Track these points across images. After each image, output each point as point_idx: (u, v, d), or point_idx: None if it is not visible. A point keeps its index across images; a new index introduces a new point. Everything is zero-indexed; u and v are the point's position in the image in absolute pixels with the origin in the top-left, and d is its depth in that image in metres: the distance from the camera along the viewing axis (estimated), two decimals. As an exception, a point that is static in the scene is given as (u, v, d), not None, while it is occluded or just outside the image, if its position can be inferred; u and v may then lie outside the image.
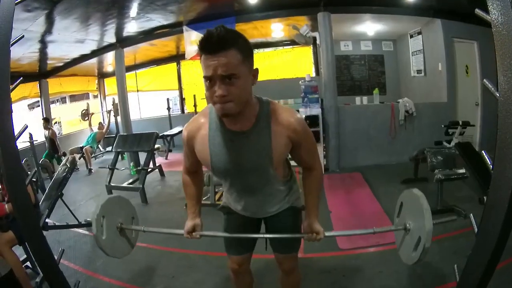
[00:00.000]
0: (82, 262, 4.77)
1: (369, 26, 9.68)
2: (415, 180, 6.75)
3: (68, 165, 5.65)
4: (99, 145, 12.27)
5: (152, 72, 15.05)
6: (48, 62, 10.98)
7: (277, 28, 10.40)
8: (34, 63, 10.50)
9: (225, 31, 1.72)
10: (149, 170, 7.79)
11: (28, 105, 14.06)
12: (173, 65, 14.31)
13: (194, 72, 13.95)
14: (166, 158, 11.39)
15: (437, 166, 5.40)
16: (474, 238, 1.96)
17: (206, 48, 1.71)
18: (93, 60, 11.75)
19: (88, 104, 13.80)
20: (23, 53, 8.90)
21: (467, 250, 1.97)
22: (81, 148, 11.20)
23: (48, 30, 7.53)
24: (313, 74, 11.31)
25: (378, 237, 4.66)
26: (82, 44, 9.44)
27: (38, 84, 12.04)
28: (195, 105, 12.36)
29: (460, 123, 7.18)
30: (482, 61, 8.71)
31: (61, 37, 8.24)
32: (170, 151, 11.87)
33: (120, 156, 9.42)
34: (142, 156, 8.04)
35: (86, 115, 13.15)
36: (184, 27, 8.91)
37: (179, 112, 14.64)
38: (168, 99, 13.69)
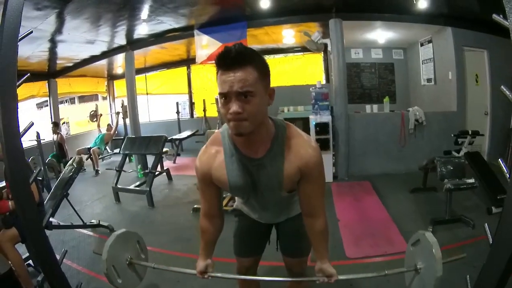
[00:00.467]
0: (85, 263, 4.75)
1: (380, 34, 9.64)
2: (424, 189, 6.70)
3: (75, 165, 5.64)
4: (107, 147, 12.26)
5: (162, 75, 15.05)
6: (58, 62, 11.00)
7: (288, 34, 10.40)
8: (44, 62, 10.53)
9: (243, 47, 1.70)
10: (156, 173, 7.76)
11: (36, 104, 14.14)
12: (183, 69, 14.28)
13: (204, 77, 14.00)
14: (174, 162, 11.34)
15: (447, 175, 5.33)
16: (489, 248, 1.92)
17: (223, 63, 1.69)
18: (103, 62, 11.76)
19: (96, 105, 13.78)
20: (32, 52, 8.91)
21: (475, 260, 1.93)
22: (89, 149, 11.21)
23: (58, 29, 7.54)
24: (323, 81, 11.25)
25: (386, 246, 4.64)
26: (92, 45, 9.46)
27: (47, 84, 12.11)
28: (204, 110, 12.33)
29: (470, 133, 7.13)
30: (491, 70, 8.65)
31: (71, 37, 8.25)
32: (179, 155, 11.86)
33: (127, 159, 9.41)
34: (150, 159, 8.02)
35: (94, 116, 13.13)
36: (195, 31, 8.91)
37: (188, 117, 14.61)
38: (177, 103, 13.67)
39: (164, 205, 7.17)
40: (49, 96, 12.20)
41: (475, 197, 6.04)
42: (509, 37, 1.68)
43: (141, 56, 11.60)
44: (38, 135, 8.53)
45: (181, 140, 11.87)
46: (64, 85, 12.85)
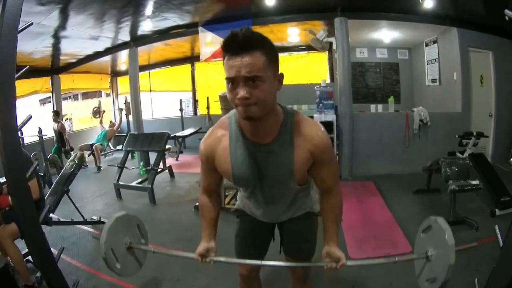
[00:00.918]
0: (85, 259, 4.74)
1: (385, 34, 9.59)
2: (428, 190, 6.65)
3: (76, 161, 5.63)
4: (110, 143, 12.25)
5: (166, 72, 15.03)
6: (61, 57, 11.00)
7: (293, 33, 10.37)
8: (47, 58, 10.51)
9: (251, 32, 1.65)
10: (159, 170, 7.75)
11: (39, 100, 14.12)
12: (187, 66, 14.24)
13: (208, 74, 13.98)
14: (177, 159, 11.31)
15: (451, 176, 5.30)
16: (491, 251, 1.87)
17: (230, 48, 1.64)
18: (107, 58, 11.75)
19: (99, 101, 13.80)
20: (35, 47, 8.88)
21: (479, 263, 1.90)
22: (91, 145, 11.21)
23: (62, 25, 7.50)
24: (328, 80, 11.20)
25: (389, 248, 4.60)
26: (96, 41, 9.43)
27: (50, 80, 12.10)
28: (208, 107, 12.31)
29: (474, 134, 7.09)
30: (496, 71, 8.62)
31: (75, 33, 8.21)
32: (181, 152, 11.80)
33: (130, 155, 9.38)
34: (153, 156, 7.96)
35: (97, 112, 13.14)
36: (200, 28, 8.87)
37: (192, 114, 14.56)
38: (181, 100, 13.66)
39: (166, 203, 7.14)
40: (52, 92, 12.20)
41: (479, 199, 5.99)
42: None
43: (145, 53, 11.60)
44: (40, 130, 8.52)
45: (184, 137, 11.87)
46: (67, 81, 12.85)
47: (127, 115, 12.69)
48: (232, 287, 3.67)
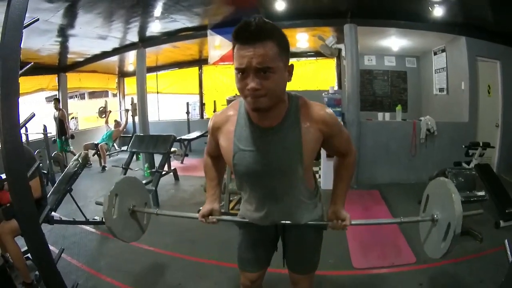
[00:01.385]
0: (85, 259, 4.71)
1: (394, 41, 9.57)
2: (433, 200, 6.60)
3: (80, 161, 5.60)
4: (115, 144, 12.25)
5: (173, 74, 15.05)
6: (68, 56, 11.03)
7: (302, 38, 10.36)
8: (54, 55, 10.53)
9: (264, 21, 1.61)
10: (163, 173, 7.72)
11: (45, 98, 14.15)
12: (195, 69, 14.26)
13: (216, 78, 14.02)
14: (182, 162, 11.28)
15: (457, 187, 5.23)
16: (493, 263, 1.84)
17: (242, 37, 1.62)
18: (114, 58, 11.78)
19: (106, 101, 13.81)
20: (43, 44, 8.90)
21: (482, 274, 1.86)
22: (96, 145, 11.23)
23: (70, 23, 7.52)
24: (336, 87, 11.17)
25: (393, 258, 4.55)
26: (104, 41, 9.44)
27: (56, 78, 12.12)
28: (214, 111, 12.27)
29: (481, 144, 7.05)
30: (504, 81, 8.60)
31: (82, 32, 8.22)
32: (187, 155, 11.77)
33: (135, 156, 9.37)
34: (158, 158, 7.96)
35: (103, 112, 13.15)
36: (209, 31, 8.86)
37: (198, 117, 14.56)
38: (187, 103, 13.65)
39: (169, 205, 7.12)
40: (58, 90, 12.22)
41: (483, 210, 5.94)
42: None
43: (153, 54, 11.58)
44: (45, 128, 8.52)
45: (190, 140, 11.82)
46: (74, 80, 12.88)
47: (133, 116, 12.69)
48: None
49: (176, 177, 9.04)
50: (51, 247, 4.93)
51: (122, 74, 15.45)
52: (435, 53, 9.60)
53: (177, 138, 9.68)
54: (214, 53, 9.27)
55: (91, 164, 10.67)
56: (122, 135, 12.46)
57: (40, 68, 11.05)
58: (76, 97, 16.00)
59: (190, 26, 8.77)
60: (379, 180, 8.17)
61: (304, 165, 1.97)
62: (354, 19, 7.79)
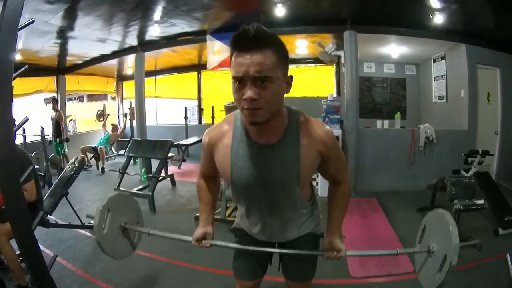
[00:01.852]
0: (81, 264, 4.66)
1: (394, 49, 9.57)
2: (431, 208, 6.56)
3: (77, 165, 5.56)
4: (112, 148, 12.23)
5: (172, 79, 15.06)
6: (68, 58, 11.03)
7: (301, 45, 10.35)
8: (53, 57, 10.52)
9: (263, 28, 1.56)
10: (160, 178, 7.69)
11: (44, 99, 14.19)
12: (194, 74, 14.24)
13: (215, 83, 14.01)
14: (179, 168, 11.28)
15: (456, 196, 5.25)
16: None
17: (240, 44, 1.56)
18: (113, 61, 11.79)
19: (104, 105, 13.81)
20: (42, 46, 8.90)
21: (482, 283, 1.83)
22: (93, 148, 11.19)
23: (69, 25, 7.50)
24: (335, 94, 11.16)
25: (391, 266, 4.53)
26: (103, 44, 9.43)
27: (55, 79, 12.16)
28: (213, 117, 12.33)
29: (480, 152, 7.04)
30: (503, 88, 8.64)
31: (82, 34, 8.21)
32: (184, 160, 11.75)
33: (132, 161, 9.34)
34: (155, 163, 7.91)
35: (101, 116, 13.14)
36: (208, 36, 8.83)
37: (196, 122, 14.53)
38: (186, 108, 13.63)
39: (166, 211, 7.09)
40: (57, 92, 12.24)
41: (482, 217, 5.93)
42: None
43: (151, 59, 11.58)
44: (42, 130, 8.50)
45: (187, 145, 11.75)
46: (72, 82, 12.90)
47: (131, 120, 12.67)
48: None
49: (173, 182, 9.00)
50: (46, 250, 4.91)
51: (121, 78, 15.45)
52: (434, 61, 9.61)
53: (175, 143, 9.63)
54: (213, 59, 9.25)
55: (91, 165, 10.67)
56: (119, 139, 12.46)
57: (39, 70, 11.06)
58: (75, 99, 16.00)
59: (190, 30, 8.75)
60: (378, 188, 8.14)
61: (301, 183, 1.93)
62: (354, 26, 7.79)
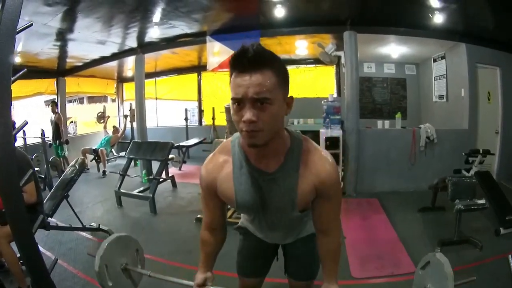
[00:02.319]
0: (81, 266, 4.65)
1: (394, 49, 9.56)
2: (432, 209, 6.56)
3: (77, 167, 5.55)
4: (113, 150, 12.22)
5: (172, 80, 15.05)
6: (67, 60, 11.03)
7: (301, 45, 10.33)
8: (53, 59, 10.50)
9: (262, 48, 1.52)
10: (161, 180, 7.68)
11: (44, 102, 14.19)
12: (194, 75, 14.23)
13: (215, 85, 13.96)
14: (180, 169, 11.27)
15: (458, 195, 5.22)
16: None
17: (239, 64, 1.51)
18: (113, 63, 11.78)
19: (104, 107, 13.81)
20: (41, 48, 8.89)
21: (483, 283, 1.82)
22: (94, 150, 11.18)
23: (69, 27, 7.50)
24: (335, 95, 11.14)
25: (392, 267, 4.51)
26: (103, 46, 9.42)
27: (55, 82, 12.15)
28: (213, 118, 12.26)
29: (481, 152, 7.02)
30: (504, 87, 8.62)
31: (81, 36, 8.21)
32: (185, 162, 11.78)
33: (133, 163, 9.33)
34: (155, 165, 7.92)
35: (101, 117, 13.13)
36: (208, 38, 8.84)
37: (197, 124, 14.54)
38: (186, 110, 13.60)
39: (166, 213, 7.08)
40: (57, 94, 12.23)
41: (483, 217, 5.93)
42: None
43: (151, 60, 11.57)
44: (43, 132, 8.50)
45: (188, 147, 11.74)
46: (73, 84, 12.88)
47: (131, 122, 12.66)
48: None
49: (174, 184, 9.00)
50: (47, 253, 4.90)
51: (121, 80, 15.42)
52: (434, 60, 9.59)
53: (175, 144, 9.65)
54: (213, 60, 9.25)
55: (88, 168, 10.64)
56: (120, 141, 12.43)
57: (38, 72, 11.04)
58: (75, 101, 15.99)
59: (189, 32, 8.74)
60: (378, 189, 8.12)
61: (297, 210, 1.89)
62: (354, 26, 7.79)
